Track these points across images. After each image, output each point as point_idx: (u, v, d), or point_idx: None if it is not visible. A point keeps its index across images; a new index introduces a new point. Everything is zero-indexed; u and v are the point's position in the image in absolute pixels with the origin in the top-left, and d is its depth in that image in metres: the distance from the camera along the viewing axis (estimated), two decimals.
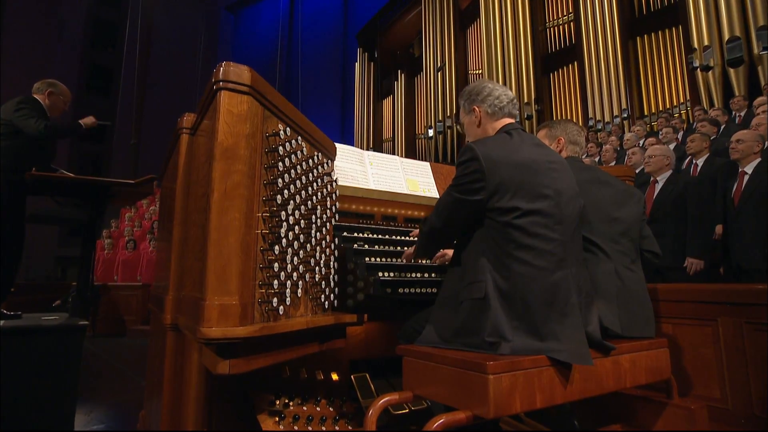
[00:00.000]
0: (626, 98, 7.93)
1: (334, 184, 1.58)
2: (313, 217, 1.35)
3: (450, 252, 1.61)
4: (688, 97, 7.12)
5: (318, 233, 1.38)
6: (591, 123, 8.39)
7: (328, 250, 1.47)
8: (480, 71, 10.93)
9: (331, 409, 1.52)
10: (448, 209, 1.29)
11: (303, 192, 1.29)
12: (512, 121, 1.42)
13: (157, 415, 1.54)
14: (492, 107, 1.41)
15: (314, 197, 1.37)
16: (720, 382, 1.61)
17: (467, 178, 1.22)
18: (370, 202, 1.96)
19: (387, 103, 14.44)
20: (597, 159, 5.65)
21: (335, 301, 1.50)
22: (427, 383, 1.15)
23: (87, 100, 16.28)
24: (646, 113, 7.85)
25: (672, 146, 4.67)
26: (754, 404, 1.52)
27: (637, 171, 3.76)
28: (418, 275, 1.71)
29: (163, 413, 1.39)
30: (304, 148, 1.30)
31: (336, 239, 1.62)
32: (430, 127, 11.88)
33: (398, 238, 1.87)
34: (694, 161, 3.72)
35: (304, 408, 1.46)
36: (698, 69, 6.62)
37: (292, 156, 1.23)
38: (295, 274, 1.20)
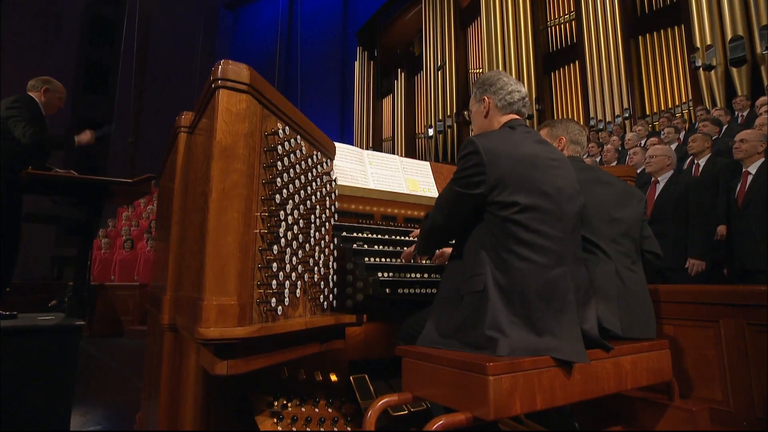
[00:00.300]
0: (628, 98, 7.91)
1: (333, 183, 1.57)
2: (312, 216, 1.34)
3: (448, 251, 1.61)
4: (690, 97, 7.11)
5: (317, 233, 1.37)
6: (592, 123, 8.38)
7: (327, 250, 1.46)
8: (481, 70, 10.91)
9: (329, 410, 1.51)
10: (450, 204, 1.28)
11: (302, 191, 1.28)
12: (519, 117, 1.41)
13: (154, 417, 1.53)
14: (502, 101, 1.40)
15: (313, 197, 1.36)
16: (722, 383, 1.61)
17: (468, 172, 1.22)
18: (369, 201, 1.94)
19: (387, 102, 14.42)
20: (598, 159, 5.64)
21: (334, 302, 1.49)
22: (426, 384, 1.14)
23: (84, 98, 16.22)
24: (647, 113, 7.83)
25: (674, 146, 4.65)
26: (756, 406, 1.52)
27: (638, 171, 3.75)
28: (418, 275, 1.70)
29: (161, 414, 1.39)
30: (303, 147, 1.29)
31: (335, 239, 1.61)
32: (431, 127, 11.86)
33: (398, 238, 1.86)
34: (695, 161, 3.71)
35: (303, 409, 1.45)
36: (701, 68, 6.60)
37: (291, 155, 1.22)
38: (293, 274, 1.19)
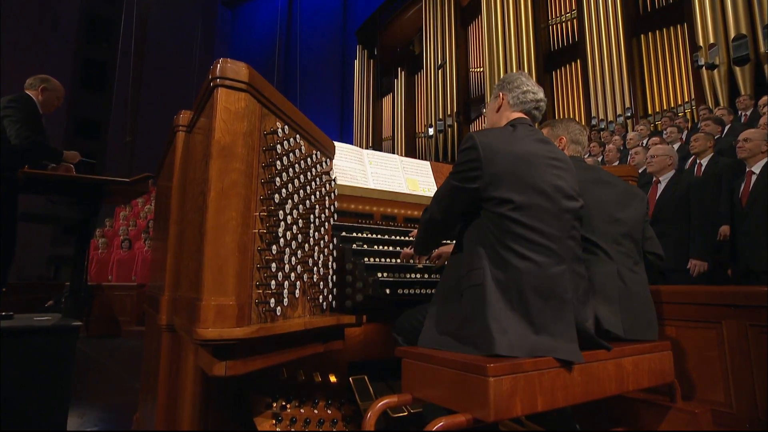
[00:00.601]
0: (630, 97, 7.88)
1: (332, 183, 1.56)
2: (312, 216, 1.33)
3: (447, 250, 1.61)
4: (692, 96, 7.08)
5: (316, 233, 1.36)
6: (594, 122, 8.36)
7: (326, 250, 1.45)
8: (481, 69, 10.90)
9: (329, 411, 1.50)
10: (447, 198, 1.29)
11: (301, 191, 1.27)
12: (526, 117, 1.41)
13: (151, 418, 1.52)
14: (515, 99, 1.41)
15: (312, 196, 1.35)
16: (724, 385, 1.60)
17: (465, 166, 1.23)
18: (369, 201, 1.93)
19: (387, 101, 14.40)
20: (600, 159, 5.63)
21: (333, 302, 1.48)
22: (426, 385, 1.13)
23: (81, 96, 16.16)
24: (650, 112, 7.80)
25: (676, 146, 4.63)
26: (758, 408, 1.51)
27: (639, 171, 3.74)
28: (418, 276, 1.70)
29: (158, 416, 1.38)
30: (303, 147, 1.28)
31: (335, 239, 1.60)
32: (431, 126, 11.84)
33: (398, 238, 1.85)
34: (697, 161, 3.69)
35: (302, 410, 1.45)
36: (703, 67, 6.57)
37: (290, 154, 1.21)
38: (292, 274, 1.18)
